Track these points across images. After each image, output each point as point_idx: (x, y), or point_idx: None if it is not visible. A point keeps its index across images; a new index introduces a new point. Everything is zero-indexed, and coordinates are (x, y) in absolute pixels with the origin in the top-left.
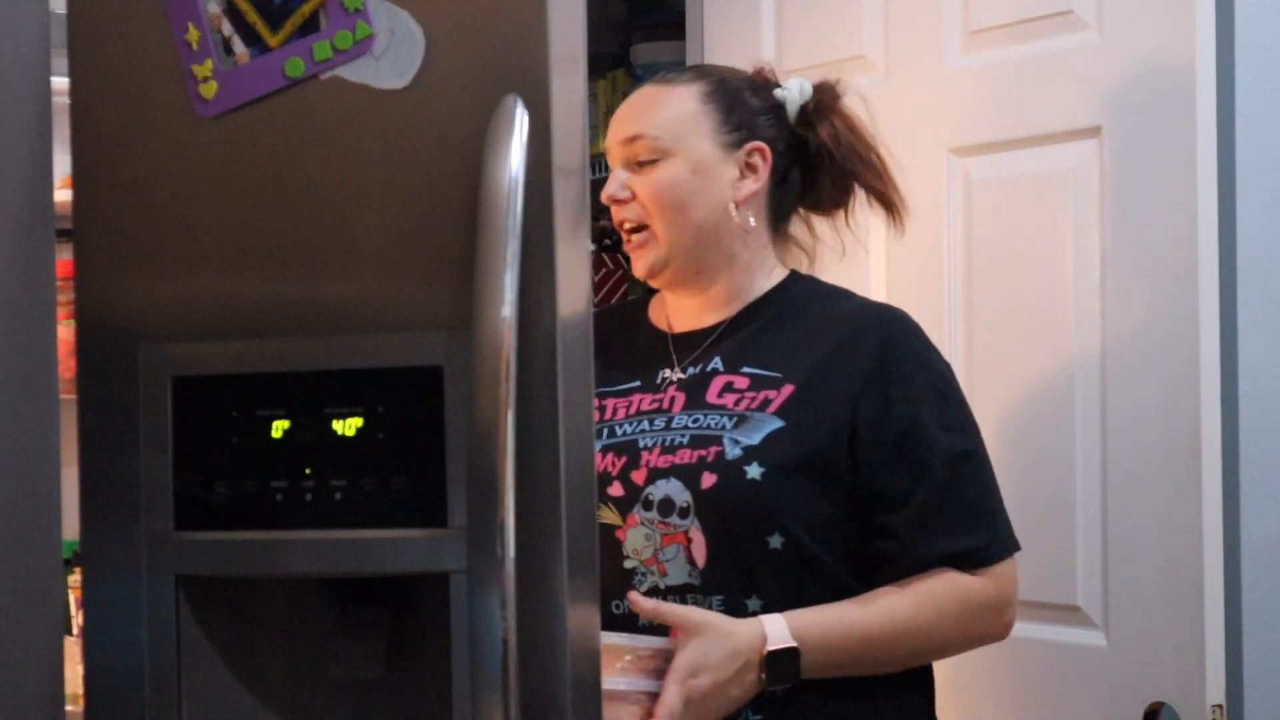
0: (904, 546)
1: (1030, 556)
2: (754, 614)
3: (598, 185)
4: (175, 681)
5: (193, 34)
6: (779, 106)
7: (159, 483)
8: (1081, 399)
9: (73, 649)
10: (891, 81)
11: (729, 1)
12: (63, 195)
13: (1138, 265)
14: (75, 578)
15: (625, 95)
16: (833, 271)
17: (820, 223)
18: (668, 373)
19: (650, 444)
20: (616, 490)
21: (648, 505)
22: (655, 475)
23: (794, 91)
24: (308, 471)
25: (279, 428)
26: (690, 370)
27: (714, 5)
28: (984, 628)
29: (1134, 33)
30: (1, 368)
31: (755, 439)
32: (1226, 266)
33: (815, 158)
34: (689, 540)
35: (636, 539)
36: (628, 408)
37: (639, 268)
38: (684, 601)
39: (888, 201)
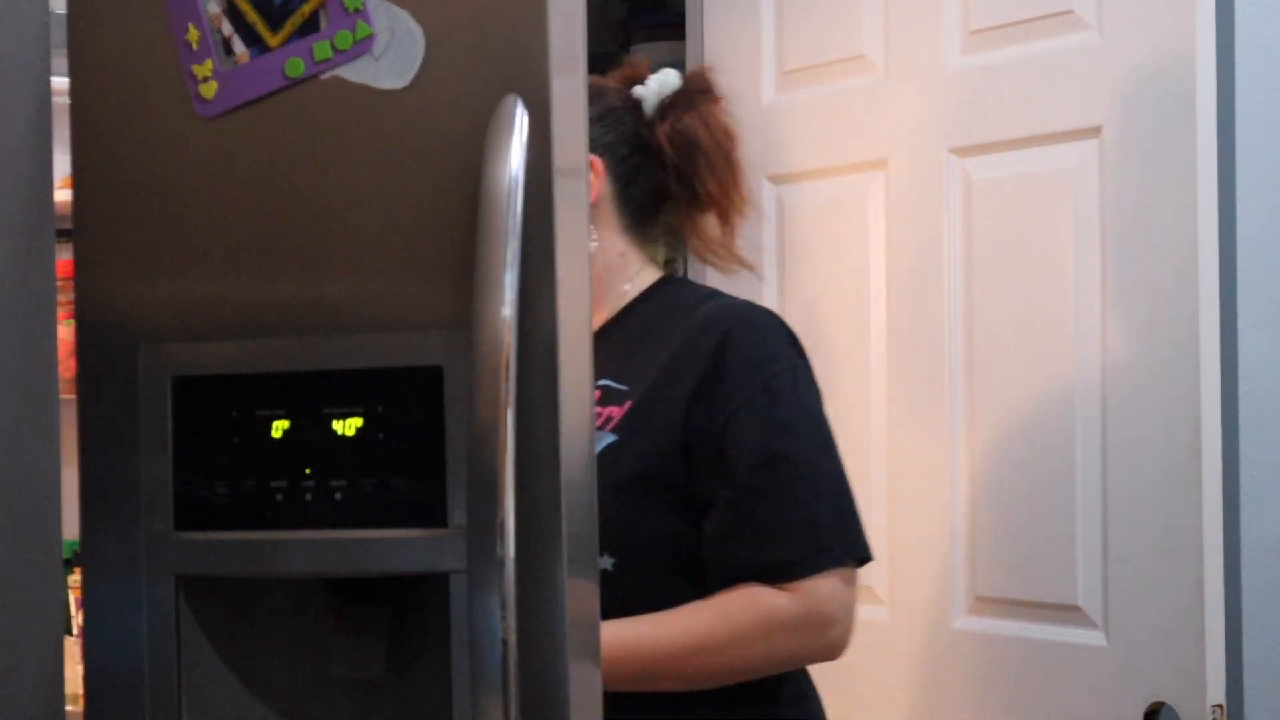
0: (713, 556)
1: (1030, 556)
2: None
3: None
4: (175, 681)
5: (193, 34)
6: (634, 104)
7: (159, 483)
8: (1082, 399)
9: (73, 649)
10: (891, 81)
11: (729, 1)
12: (63, 195)
13: (1138, 265)
14: (75, 578)
15: None
16: (832, 271)
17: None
18: None
19: None
20: None
21: None
22: None
23: (653, 86)
24: (308, 471)
25: (279, 428)
26: None
27: (714, 5)
28: (794, 648)
29: (1134, 33)
30: (1, 368)
31: None
32: (1226, 267)
33: (656, 156)
34: None
35: None
36: None
37: None
38: None
39: (723, 205)
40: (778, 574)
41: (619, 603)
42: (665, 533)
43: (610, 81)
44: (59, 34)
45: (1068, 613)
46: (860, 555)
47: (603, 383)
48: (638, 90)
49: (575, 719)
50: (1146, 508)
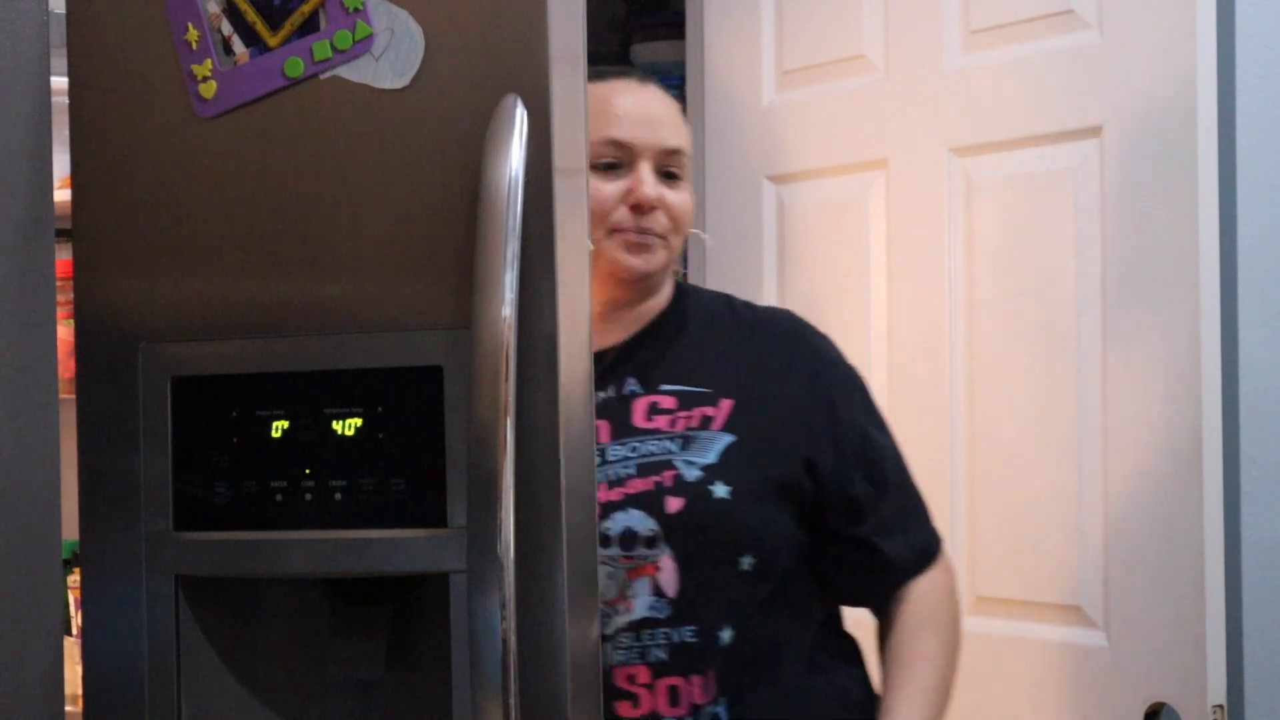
0: (880, 556)
1: (1030, 556)
2: (726, 645)
3: None
4: (175, 681)
5: (192, 34)
6: None
7: (159, 483)
8: (1082, 399)
9: (73, 649)
10: (891, 81)
11: (729, 1)
12: (63, 195)
13: (1138, 265)
14: (75, 578)
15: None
16: (832, 271)
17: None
18: None
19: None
20: None
21: (605, 542)
22: (608, 510)
23: None
24: (307, 471)
25: (278, 428)
26: (601, 395)
27: (714, 5)
28: (959, 612)
29: (1134, 33)
30: (1, 368)
31: (711, 457)
32: (1226, 266)
33: None
34: (658, 569)
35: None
36: None
37: (643, 263)
38: (640, 639)
39: None
40: (933, 554)
41: (760, 604)
42: (793, 536)
43: None
44: (59, 34)
45: (1068, 613)
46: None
47: (668, 387)
48: None
49: (575, 718)
50: (1147, 508)
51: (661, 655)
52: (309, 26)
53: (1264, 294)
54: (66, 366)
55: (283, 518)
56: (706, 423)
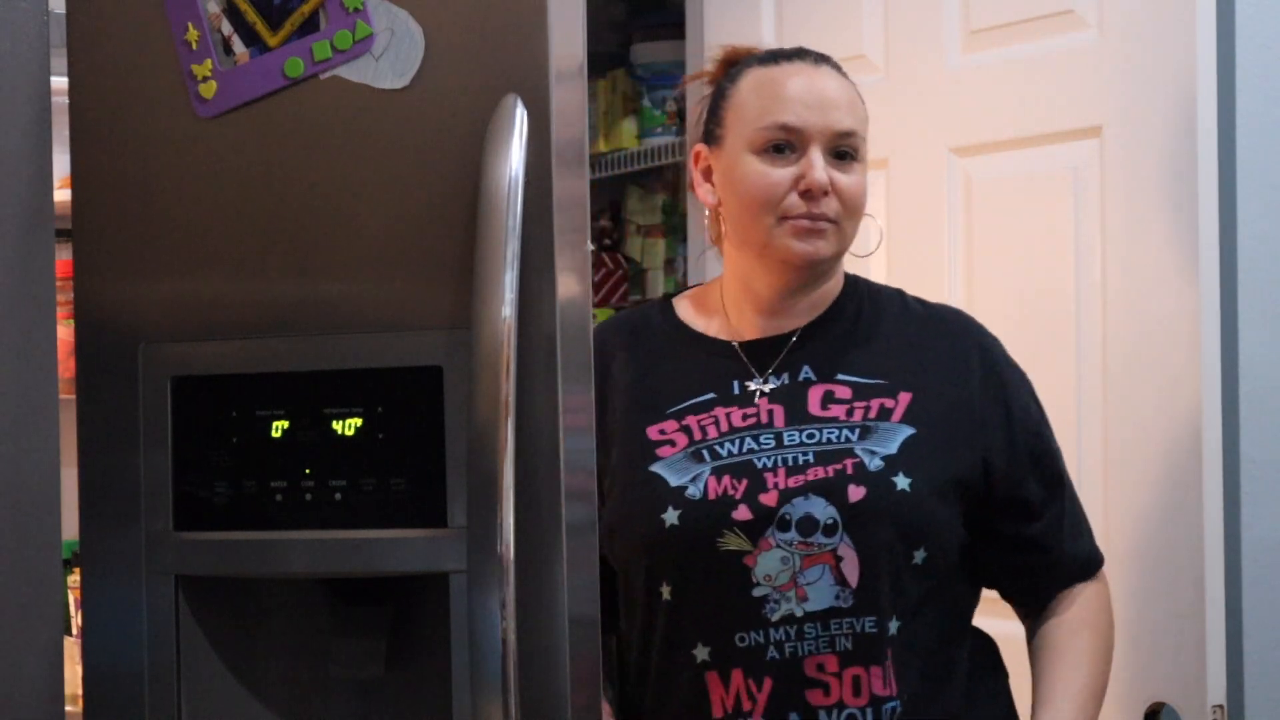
0: (1050, 558)
1: None
2: (892, 637)
3: (598, 186)
4: (175, 681)
5: (192, 34)
6: None
7: (158, 483)
8: (1082, 399)
9: (73, 649)
10: (891, 81)
11: (729, 1)
12: (63, 195)
13: (1138, 265)
14: (75, 578)
15: (625, 95)
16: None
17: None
18: (750, 384)
19: (769, 464)
20: (743, 514)
21: (784, 526)
22: (788, 495)
23: None
24: (307, 471)
25: (278, 428)
26: (775, 381)
27: (714, 5)
28: (1113, 627)
29: (1134, 33)
30: (1, 368)
31: (891, 448)
32: (1226, 266)
33: None
34: (838, 559)
35: (770, 564)
36: (717, 424)
37: (815, 250)
38: (828, 628)
39: None
40: (1098, 564)
41: (924, 598)
42: (959, 533)
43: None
44: (59, 34)
45: None
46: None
47: (844, 377)
48: None
49: (575, 718)
50: (1147, 508)
51: (848, 645)
52: (309, 26)
53: (1264, 294)
54: (66, 366)
55: (283, 518)
56: (885, 414)
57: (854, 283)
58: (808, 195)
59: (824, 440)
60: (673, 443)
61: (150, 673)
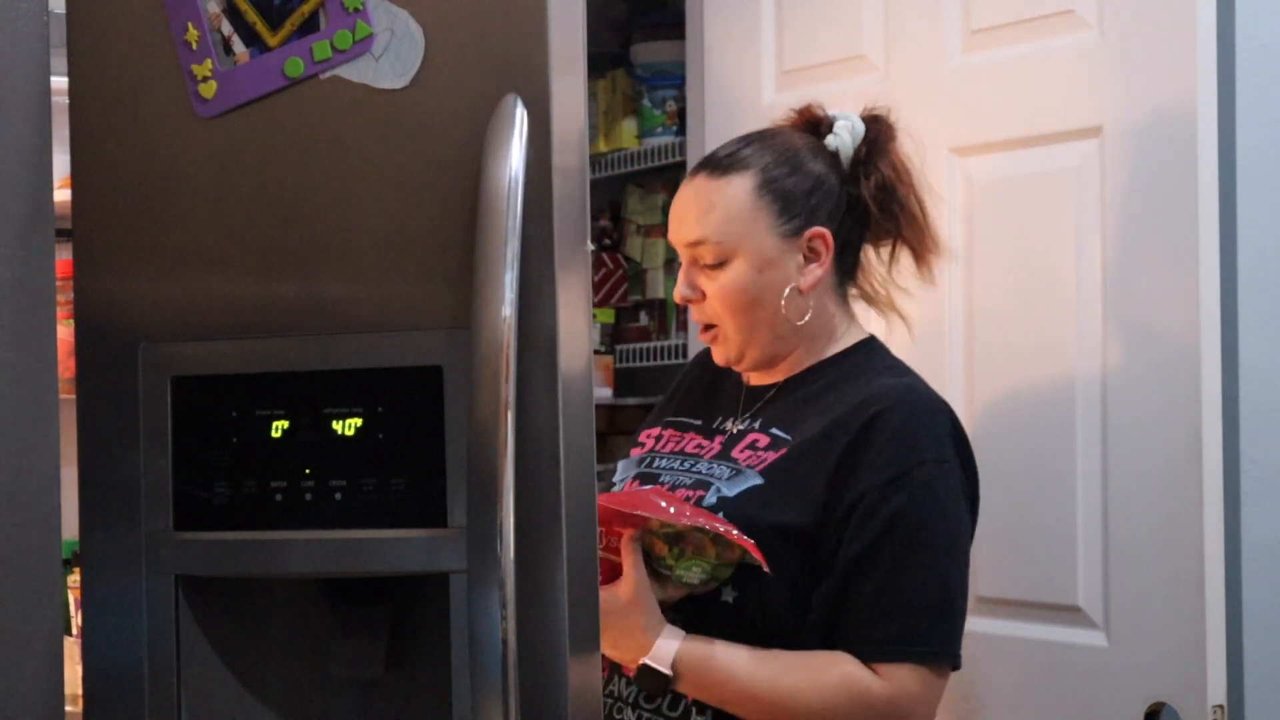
0: (816, 622)
1: (1030, 556)
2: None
3: (598, 185)
4: (175, 681)
5: (192, 34)
6: (832, 158)
7: (158, 483)
8: (1082, 399)
9: (73, 649)
10: (891, 81)
11: (729, 1)
12: (63, 195)
13: (1138, 265)
14: (75, 578)
15: (625, 95)
16: None
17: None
18: (728, 424)
19: (667, 480)
20: None
21: None
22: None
23: (846, 136)
24: (307, 471)
25: (278, 428)
26: (741, 425)
27: (714, 5)
28: None
29: (1134, 33)
30: (1, 368)
31: (733, 492)
32: (1227, 267)
33: (863, 213)
34: None
35: None
36: (676, 442)
37: (719, 358)
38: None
39: (919, 250)
40: (872, 652)
41: (731, 634)
42: (789, 579)
43: (789, 129)
44: (59, 34)
45: (1068, 613)
46: (951, 660)
47: (773, 431)
48: (830, 142)
49: (575, 718)
50: (1147, 508)
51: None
52: (309, 26)
53: (1264, 294)
54: (66, 366)
55: (283, 518)
56: (759, 464)
57: (859, 348)
58: (690, 307)
59: (709, 474)
60: (642, 444)
61: (150, 673)
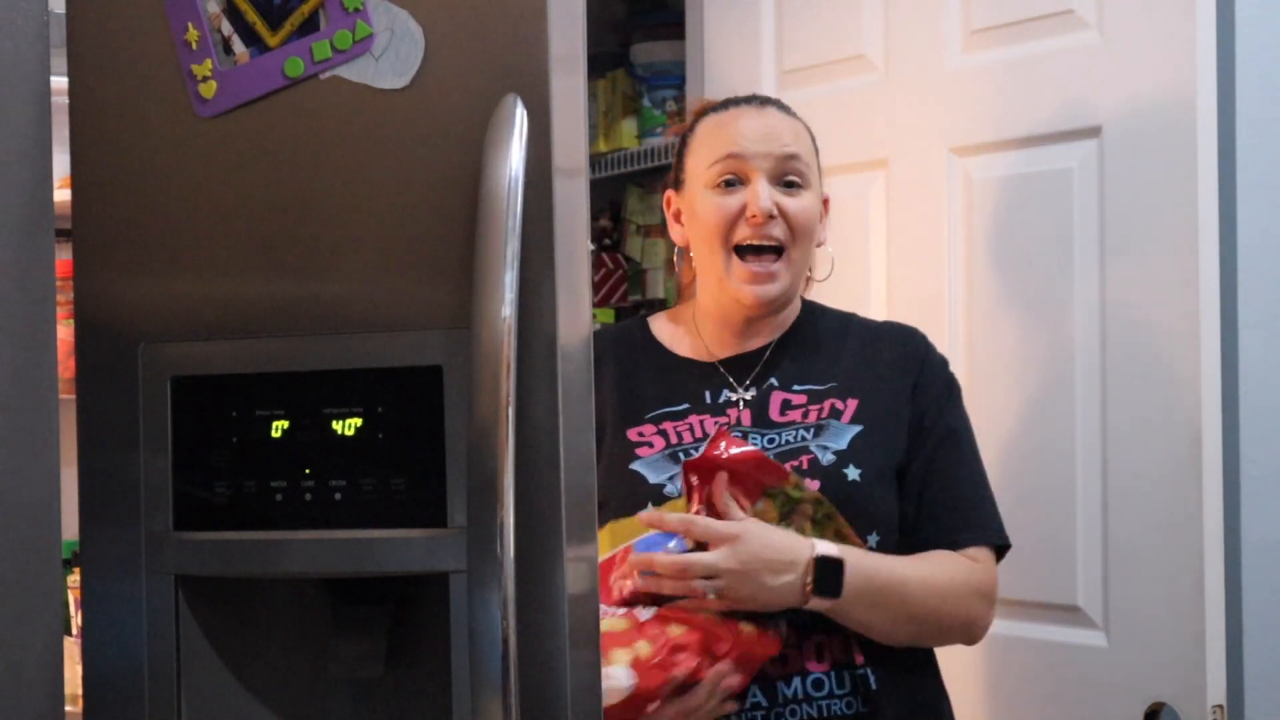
0: (939, 528)
1: (1030, 556)
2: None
3: (598, 185)
4: (175, 681)
5: (192, 34)
6: None
7: (158, 483)
8: (1082, 399)
9: (73, 649)
10: (891, 81)
11: (729, 1)
12: (63, 195)
13: (1138, 265)
14: (75, 578)
15: (625, 95)
16: (837, 275)
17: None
18: (732, 395)
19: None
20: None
21: None
22: None
23: None
24: (307, 471)
25: (278, 428)
26: (751, 391)
27: (714, 5)
28: (969, 613)
29: (1134, 33)
30: (1, 368)
31: (842, 444)
32: (1226, 266)
33: None
34: None
35: None
36: (692, 430)
37: (764, 292)
38: (795, 610)
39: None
40: (967, 539)
41: None
42: (899, 514)
43: None
44: (59, 34)
45: (1068, 613)
46: (1006, 542)
47: (800, 387)
48: None
49: (575, 718)
50: (1147, 508)
51: (806, 620)
52: (309, 26)
53: (1264, 294)
54: (66, 366)
55: (283, 518)
56: (836, 414)
57: (810, 308)
58: (754, 221)
59: (783, 442)
60: (650, 444)
61: (150, 673)
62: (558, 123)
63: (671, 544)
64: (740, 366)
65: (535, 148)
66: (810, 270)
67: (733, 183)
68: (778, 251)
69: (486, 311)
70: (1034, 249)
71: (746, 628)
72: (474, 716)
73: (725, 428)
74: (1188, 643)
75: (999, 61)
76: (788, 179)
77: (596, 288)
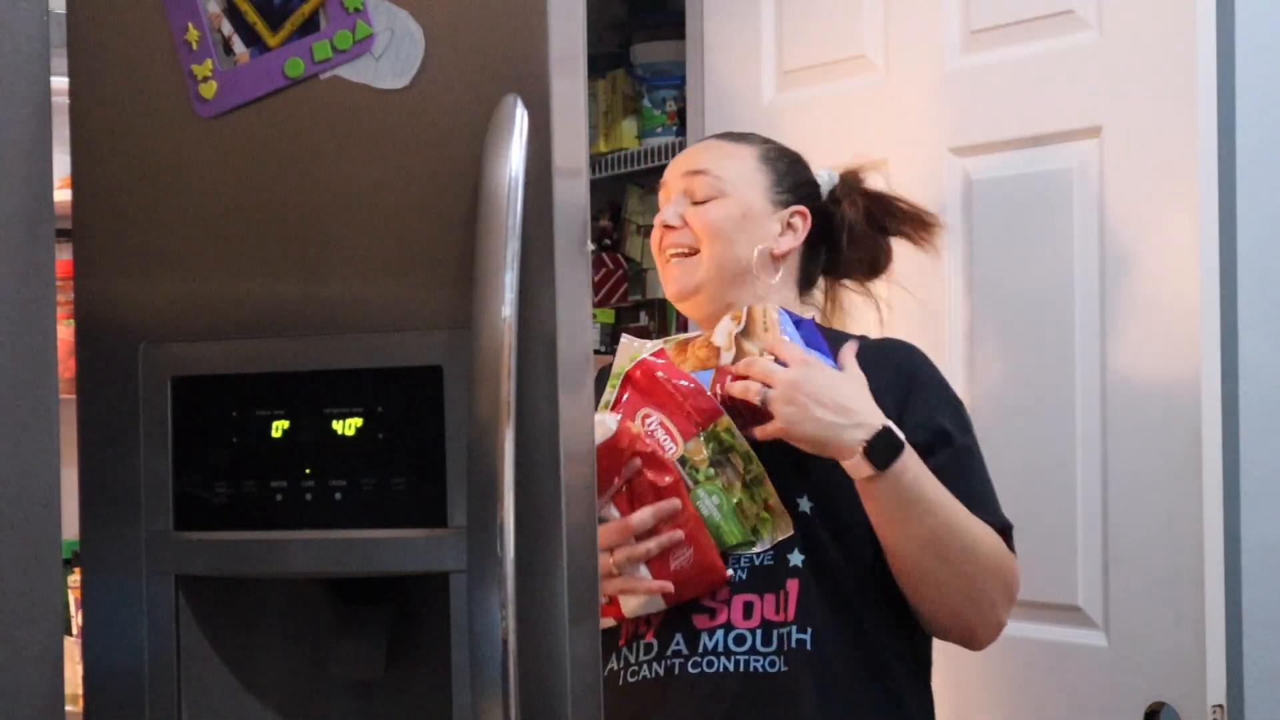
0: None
1: (1030, 556)
2: (794, 567)
3: (598, 186)
4: (175, 681)
5: (192, 34)
6: (816, 186)
7: (159, 483)
8: (1082, 399)
9: (73, 649)
10: (891, 81)
11: (729, 1)
12: (63, 195)
13: (1138, 265)
14: (75, 578)
15: (625, 95)
16: None
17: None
18: None
19: None
20: None
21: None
22: None
23: (824, 176)
24: (308, 471)
25: (279, 428)
26: None
27: (714, 5)
28: (995, 595)
29: (1134, 33)
30: (1, 368)
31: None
32: (1226, 267)
33: (840, 229)
34: None
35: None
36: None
37: (676, 284)
38: (731, 562)
39: (925, 230)
40: (1000, 530)
41: (818, 546)
42: (849, 491)
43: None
44: (59, 34)
45: (1068, 613)
46: (1012, 547)
47: None
48: (817, 173)
49: (575, 718)
50: (1147, 508)
51: (741, 575)
52: (309, 26)
53: (1264, 294)
54: (66, 366)
55: (283, 518)
56: None
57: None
58: (660, 232)
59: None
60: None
61: (150, 673)
62: (558, 123)
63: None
64: None
65: (535, 148)
66: (771, 278)
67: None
68: (692, 252)
69: (486, 311)
70: (1034, 249)
71: (710, 541)
72: (474, 716)
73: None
74: (1188, 643)
75: (999, 61)
76: (695, 196)
77: (596, 288)
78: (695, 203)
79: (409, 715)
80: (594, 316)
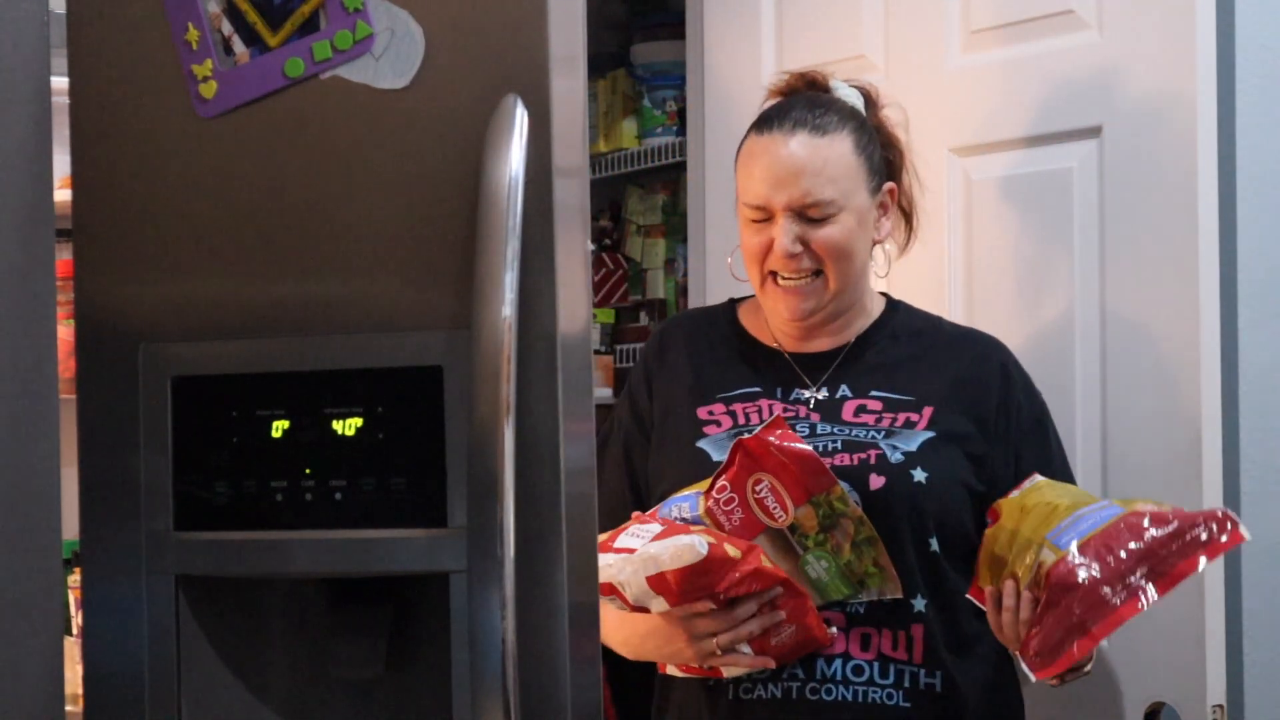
0: None
1: None
2: (919, 613)
3: (598, 186)
4: (175, 681)
5: (192, 34)
6: (880, 146)
7: (159, 483)
8: (1082, 399)
9: (73, 649)
10: (891, 81)
11: (729, 1)
12: (63, 195)
13: (1138, 265)
14: (75, 578)
15: (625, 95)
16: None
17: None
18: (803, 392)
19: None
20: None
21: None
22: None
23: (851, 93)
24: (308, 471)
25: (279, 428)
26: (822, 394)
27: (714, 5)
28: None
29: (1134, 33)
30: (1, 368)
31: (912, 446)
32: (1226, 266)
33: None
34: None
35: None
36: (760, 413)
37: (798, 308)
38: (846, 604)
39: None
40: None
41: (943, 584)
42: (968, 531)
43: (804, 90)
44: (59, 34)
45: None
46: None
47: (876, 394)
48: (845, 94)
49: (575, 718)
50: None
51: (859, 610)
52: (309, 26)
53: (1264, 294)
54: (66, 366)
55: (283, 518)
56: (910, 425)
57: (894, 307)
58: (779, 262)
59: (852, 436)
60: (718, 423)
61: (150, 673)
62: (558, 123)
63: (686, 504)
64: (814, 364)
65: (535, 148)
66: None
67: (760, 219)
68: (815, 273)
69: (487, 311)
70: (1034, 249)
71: (814, 608)
72: (474, 716)
73: (783, 418)
74: (1188, 643)
75: (999, 61)
76: (809, 215)
77: (596, 288)
78: (809, 219)
79: (409, 715)
80: (594, 316)
